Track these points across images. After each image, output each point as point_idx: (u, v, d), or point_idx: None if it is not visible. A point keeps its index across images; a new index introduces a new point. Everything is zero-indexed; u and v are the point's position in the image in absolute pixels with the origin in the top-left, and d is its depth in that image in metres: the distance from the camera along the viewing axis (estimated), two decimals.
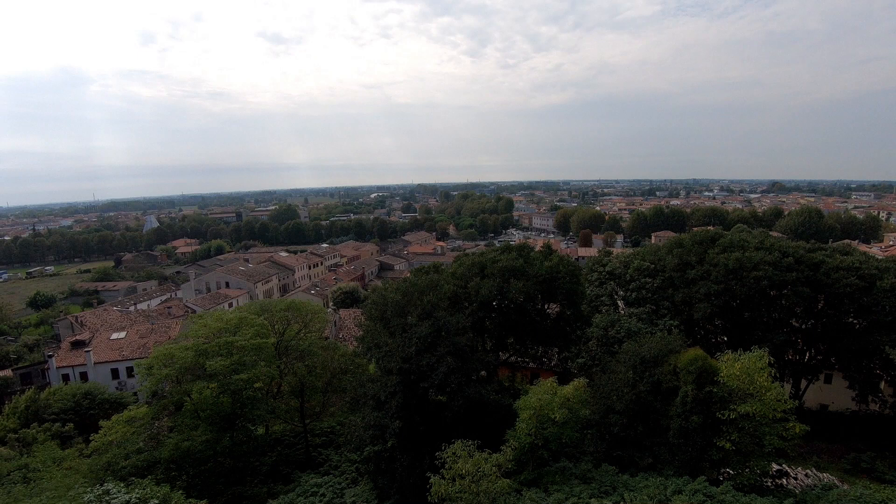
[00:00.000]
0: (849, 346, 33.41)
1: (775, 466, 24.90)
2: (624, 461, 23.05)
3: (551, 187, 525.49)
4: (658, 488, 19.08)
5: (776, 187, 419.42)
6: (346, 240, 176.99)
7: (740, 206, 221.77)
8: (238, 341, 28.03)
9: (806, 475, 26.85)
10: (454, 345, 23.48)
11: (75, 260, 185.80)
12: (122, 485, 18.99)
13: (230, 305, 75.46)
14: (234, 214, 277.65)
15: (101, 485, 19.01)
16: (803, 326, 35.70)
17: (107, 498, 17.69)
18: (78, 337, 52.57)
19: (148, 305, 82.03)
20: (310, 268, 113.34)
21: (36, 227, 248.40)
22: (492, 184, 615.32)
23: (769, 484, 22.88)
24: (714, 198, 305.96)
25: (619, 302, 39.28)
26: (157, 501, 18.04)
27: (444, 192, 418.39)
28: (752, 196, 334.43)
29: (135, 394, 43.12)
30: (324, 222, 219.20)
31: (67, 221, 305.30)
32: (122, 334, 52.24)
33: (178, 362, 27.05)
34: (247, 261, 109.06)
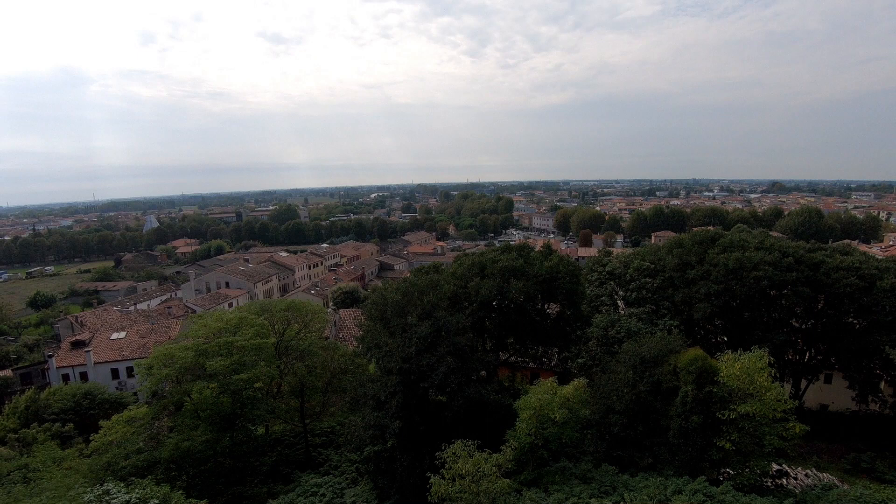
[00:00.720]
0: (849, 346, 33.41)
1: (775, 466, 24.90)
2: (624, 461, 23.05)
3: (551, 187, 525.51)
4: (658, 488, 19.08)
5: (776, 187, 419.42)
6: (346, 240, 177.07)
7: (740, 206, 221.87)
8: (238, 341, 28.04)
9: (806, 475, 26.86)
10: (454, 345, 23.47)
11: (75, 260, 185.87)
12: (122, 485, 19.00)
13: (230, 305, 75.49)
14: (234, 214, 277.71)
15: (101, 485, 19.02)
16: (803, 326, 35.70)
17: (107, 498, 17.69)
18: (78, 337, 52.57)
19: (148, 305, 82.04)
20: (310, 268, 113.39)
21: (36, 227, 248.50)
22: (492, 184, 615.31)
23: (769, 484, 22.89)
24: (714, 198, 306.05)
25: (619, 302, 39.28)
26: (157, 501, 18.05)
27: (444, 192, 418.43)
28: (752, 196, 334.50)
29: (135, 394, 43.12)
30: (324, 222, 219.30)
31: (67, 221, 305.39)
32: (122, 334, 52.25)
33: (178, 362, 27.06)
34: (247, 261, 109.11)
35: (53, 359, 47.75)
